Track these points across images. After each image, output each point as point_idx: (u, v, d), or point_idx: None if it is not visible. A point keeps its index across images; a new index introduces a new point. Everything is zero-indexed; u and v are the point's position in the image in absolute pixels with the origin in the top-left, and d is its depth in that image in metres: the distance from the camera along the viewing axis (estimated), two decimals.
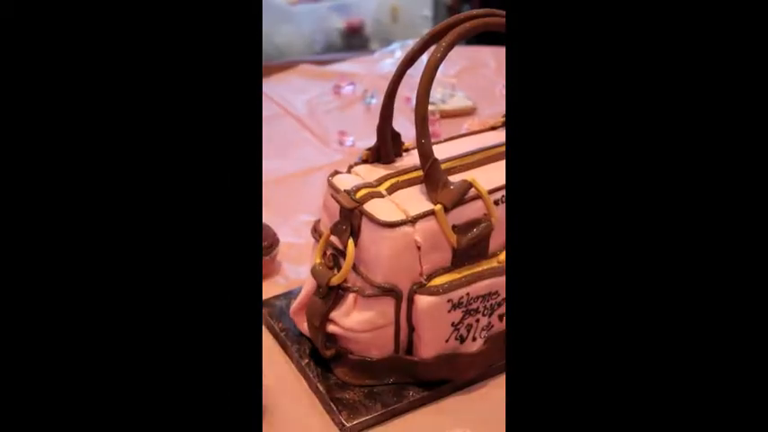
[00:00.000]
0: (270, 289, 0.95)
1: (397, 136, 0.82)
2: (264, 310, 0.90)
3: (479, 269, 0.77)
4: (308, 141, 1.29)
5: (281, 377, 0.83)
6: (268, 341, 0.88)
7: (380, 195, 0.77)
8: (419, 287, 0.75)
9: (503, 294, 0.78)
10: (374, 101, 1.37)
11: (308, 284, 0.82)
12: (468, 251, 0.76)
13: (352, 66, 1.53)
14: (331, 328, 0.79)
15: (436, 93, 1.34)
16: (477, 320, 0.78)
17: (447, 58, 0.74)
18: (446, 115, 1.31)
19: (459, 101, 1.35)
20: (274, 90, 1.44)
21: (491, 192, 0.76)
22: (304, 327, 0.83)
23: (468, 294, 0.76)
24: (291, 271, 0.98)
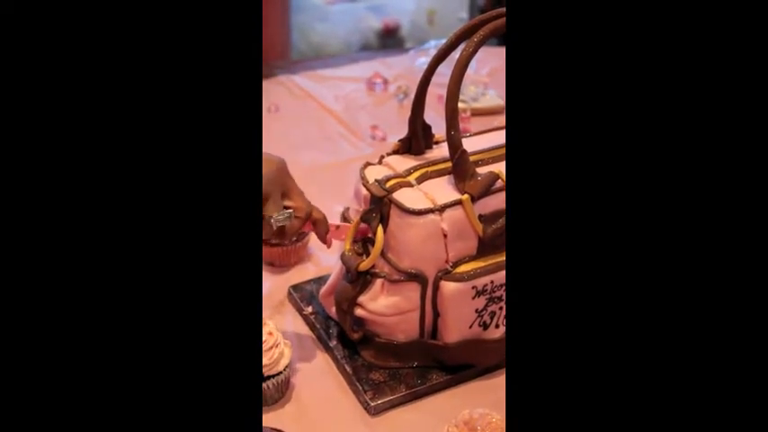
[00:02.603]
0: (300, 274, 0.98)
1: (427, 128, 0.85)
2: (295, 295, 0.93)
3: (504, 258, 0.79)
4: (343, 135, 1.33)
5: (309, 358, 0.86)
6: (298, 323, 0.91)
7: (410, 185, 0.80)
8: (445, 274, 0.78)
9: None
10: (407, 98, 1.40)
11: (336, 270, 0.86)
12: (493, 240, 0.78)
13: (386, 63, 1.56)
14: (358, 311, 0.82)
15: (468, 91, 1.37)
16: (501, 308, 0.81)
17: (479, 58, 0.76)
18: (477, 113, 1.34)
19: (490, 100, 1.37)
20: (311, 86, 1.47)
21: None
22: (332, 310, 0.86)
23: (492, 282, 0.79)
24: (322, 258, 1.01)
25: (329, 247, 0.84)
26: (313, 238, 1.02)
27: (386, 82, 1.47)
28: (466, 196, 0.76)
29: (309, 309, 0.91)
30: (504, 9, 0.78)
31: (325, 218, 0.83)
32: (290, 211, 0.78)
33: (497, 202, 0.78)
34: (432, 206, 0.76)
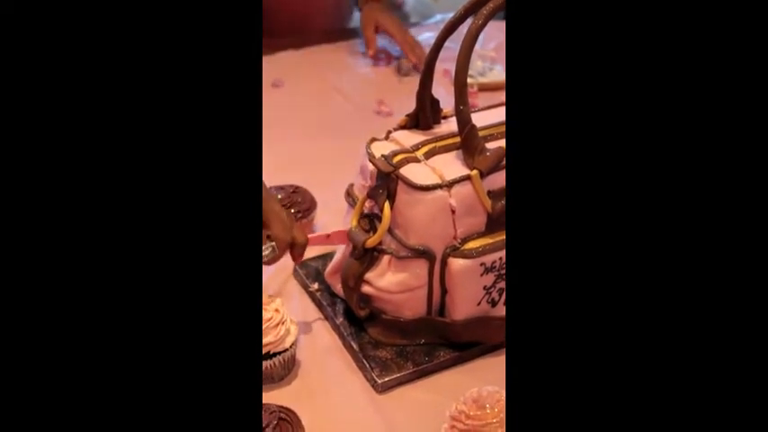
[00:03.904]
0: (306, 251, 0.96)
1: (435, 103, 0.83)
2: (301, 271, 0.93)
3: None
4: (347, 111, 1.31)
5: (315, 335, 0.86)
6: (304, 301, 0.90)
7: (417, 160, 0.79)
8: (453, 250, 0.77)
9: None
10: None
11: (342, 247, 0.85)
12: (502, 216, 0.77)
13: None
14: (365, 288, 0.81)
15: (475, 66, 1.35)
16: None
17: (486, 32, 0.75)
18: (484, 88, 1.32)
19: (497, 75, 1.35)
20: (315, 61, 1.46)
21: None
22: (338, 288, 0.85)
23: (501, 259, 0.78)
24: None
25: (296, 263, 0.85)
26: (318, 215, 1.01)
27: (390, 57, 1.45)
28: (475, 172, 0.75)
29: (315, 286, 0.90)
30: None
31: (305, 241, 0.82)
32: (272, 244, 0.79)
33: None
34: (440, 182, 0.75)
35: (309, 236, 0.84)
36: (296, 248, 0.82)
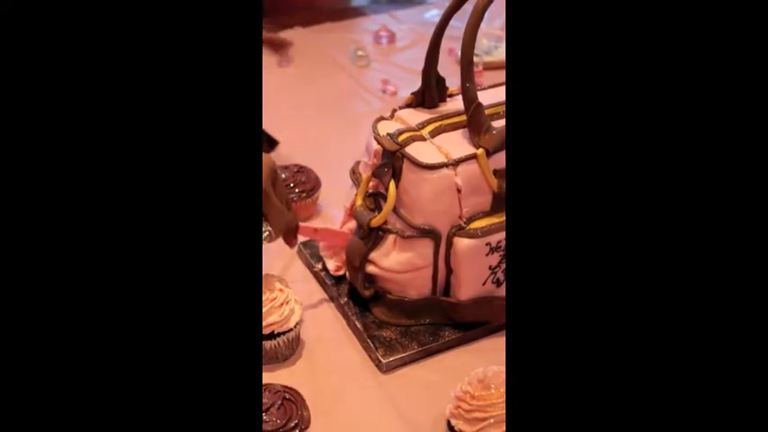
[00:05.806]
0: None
1: (441, 81, 0.83)
2: (305, 251, 0.92)
3: None
4: (353, 90, 1.30)
5: (320, 315, 0.85)
6: (308, 281, 0.90)
7: (423, 139, 0.78)
8: (458, 229, 0.76)
9: None
10: (417, 50, 1.37)
11: (337, 222, 0.85)
12: None
13: (395, 16, 1.53)
14: (370, 268, 0.81)
15: (481, 45, 1.34)
16: None
17: (492, 10, 0.74)
18: (489, 67, 1.31)
19: (503, 53, 1.34)
20: (321, 39, 1.45)
21: None
22: (330, 265, 0.86)
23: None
24: (332, 214, 0.99)
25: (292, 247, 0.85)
26: (322, 195, 1.00)
27: (392, 35, 1.44)
28: (481, 150, 0.75)
29: (320, 266, 0.90)
30: None
31: (296, 227, 0.82)
32: (268, 231, 0.79)
33: None
34: (445, 160, 0.75)
35: (300, 224, 0.84)
36: (288, 236, 0.82)
